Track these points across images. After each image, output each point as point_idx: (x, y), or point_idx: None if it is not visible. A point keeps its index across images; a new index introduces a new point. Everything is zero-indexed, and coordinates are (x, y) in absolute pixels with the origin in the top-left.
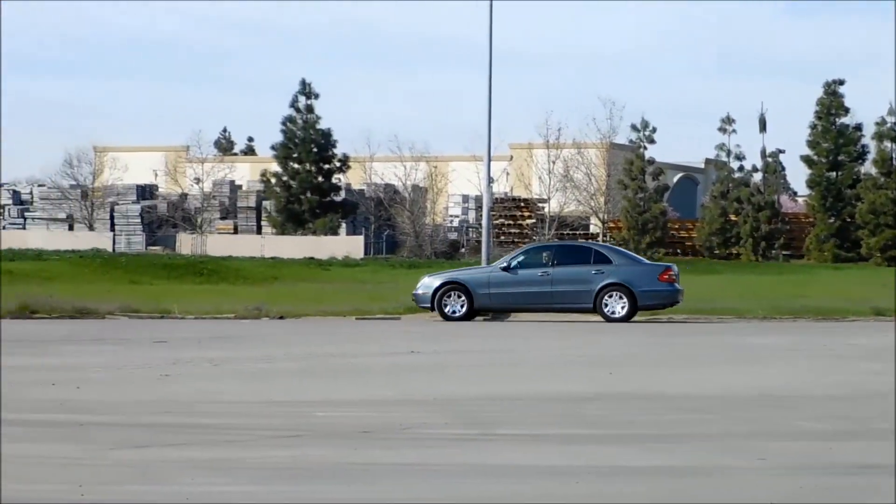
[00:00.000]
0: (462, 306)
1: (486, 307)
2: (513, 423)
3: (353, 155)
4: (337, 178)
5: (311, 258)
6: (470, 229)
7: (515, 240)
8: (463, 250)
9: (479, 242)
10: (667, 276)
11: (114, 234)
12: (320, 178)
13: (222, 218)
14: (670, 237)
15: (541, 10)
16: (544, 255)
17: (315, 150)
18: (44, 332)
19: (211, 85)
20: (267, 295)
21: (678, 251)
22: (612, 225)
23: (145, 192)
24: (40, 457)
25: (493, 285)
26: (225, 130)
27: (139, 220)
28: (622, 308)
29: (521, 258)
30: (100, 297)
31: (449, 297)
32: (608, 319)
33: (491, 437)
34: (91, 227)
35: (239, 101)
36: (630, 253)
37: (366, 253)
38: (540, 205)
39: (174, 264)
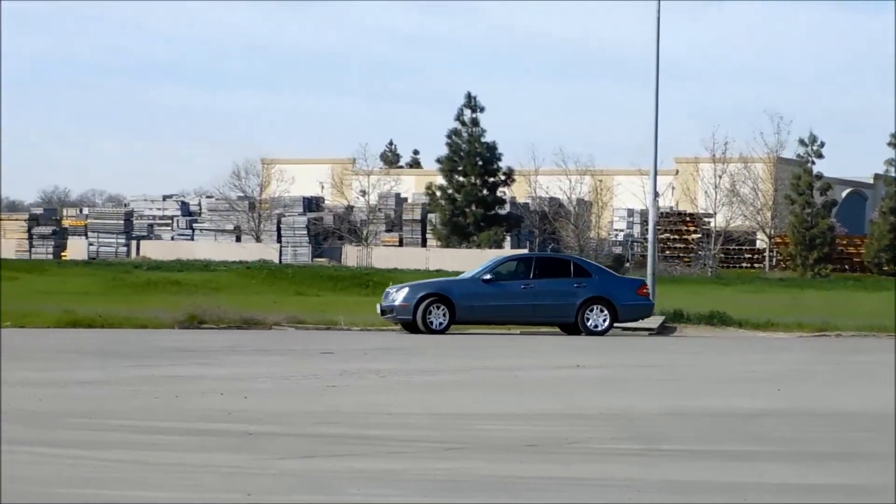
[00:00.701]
0: (445, 318)
1: (467, 320)
2: (679, 438)
3: (518, 168)
4: (502, 192)
5: None
6: (635, 244)
7: (681, 254)
8: (628, 265)
9: (644, 257)
10: (644, 291)
11: (280, 246)
12: (485, 192)
13: (387, 230)
14: (838, 253)
15: (707, 22)
16: (523, 266)
17: (480, 163)
18: (211, 341)
19: (377, 98)
20: None
21: (846, 267)
22: (778, 240)
23: (311, 204)
24: (208, 465)
25: (476, 297)
26: (391, 143)
27: (305, 232)
28: (604, 321)
29: (499, 269)
30: (266, 308)
31: (430, 309)
32: (589, 333)
33: (657, 452)
34: (258, 239)
35: (405, 114)
36: (604, 267)
37: None
38: (706, 219)
39: (340, 276)
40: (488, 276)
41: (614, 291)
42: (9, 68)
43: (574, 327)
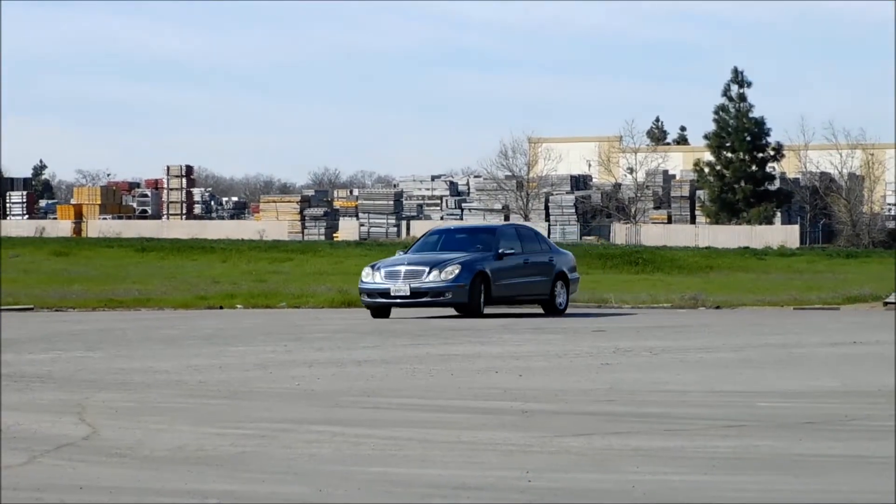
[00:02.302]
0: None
1: (496, 300)
2: None
3: (787, 143)
4: (771, 167)
5: (746, 248)
6: None
7: None
8: None
9: None
10: (574, 264)
11: (549, 224)
12: (754, 167)
13: (656, 208)
14: None
15: None
16: (509, 239)
17: (748, 138)
18: (483, 321)
19: (644, 76)
20: (703, 284)
21: None
22: None
23: (579, 182)
24: (488, 443)
25: (500, 274)
26: (657, 120)
27: (573, 210)
28: (565, 298)
29: (501, 242)
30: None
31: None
32: (555, 311)
33: None
34: (526, 218)
35: (672, 91)
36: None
37: (801, 242)
38: None
39: (609, 254)
40: (502, 251)
41: (568, 267)
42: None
43: (550, 304)
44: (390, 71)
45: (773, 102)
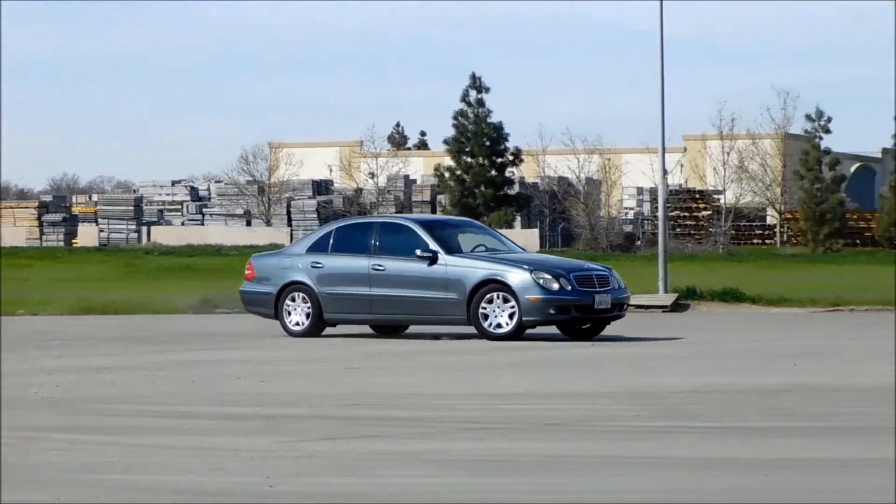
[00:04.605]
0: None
1: None
2: (702, 415)
3: (526, 148)
4: (510, 172)
5: None
6: (645, 221)
7: (691, 231)
8: (639, 243)
9: (655, 235)
10: None
11: (291, 230)
12: (493, 172)
13: (398, 212)
14: (849, 228)
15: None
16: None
17: (487, 143)
18: (227, 326)
19: (384, 79)
20: None
21: (857, 242)
22: (788, 216)
23: (321, 187)
24: (230, 449)
25: None
26: (398, 125)
27: (315, 215)
28: None
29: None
30: None
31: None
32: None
33: (681, 429)
34: (268, 223)
35: (412, 95)
36: None
37: (541, 245)
38: (715, 196)
39: None
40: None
41: None
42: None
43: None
44: (127, 74)
45: (512, 108)
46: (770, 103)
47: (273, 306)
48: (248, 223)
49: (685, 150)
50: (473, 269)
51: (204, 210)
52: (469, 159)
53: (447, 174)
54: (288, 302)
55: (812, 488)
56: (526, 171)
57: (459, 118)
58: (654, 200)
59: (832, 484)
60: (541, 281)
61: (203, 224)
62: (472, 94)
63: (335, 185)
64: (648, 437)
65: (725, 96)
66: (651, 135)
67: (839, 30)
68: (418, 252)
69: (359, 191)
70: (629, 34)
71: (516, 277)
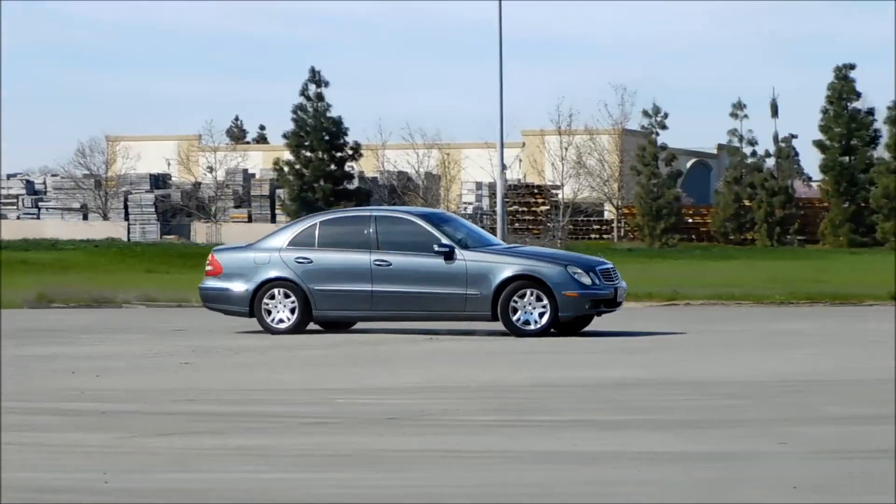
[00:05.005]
0: None
1: None
2: (548, 409)
3: (366, 143)
4: (350, 166)
5: None
6: (484, 216)
7: (530, 226)
8: None
9: (494, 229)
10: None
11: (128, 224)
12: (333, 166)
13: (236, 206)
14: (684, 223)
15: None
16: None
17: (326, 137)
18: (62, 321)
19: (222, 73)
20: None
21: (693, 237)
22: (626, 211)
23: (158, 181)
24: (64, 445)
25: None
26: (237, 119)
27: (153, 209)
28: None
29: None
30: (117, 286)
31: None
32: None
33: (524, 423)
34: (105, 217)
35: (251, 89)
36: None
37: None
38: (553, 191)
39: (190, 253)
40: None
41: None
42: None
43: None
44: None
45: (351, 103)
46: (607, 99)
47: (248, 304)
48: (85, 217)
49: (524, 145)
50: (500, 265)
51: (40, 204)
52: (308, 153)
53: (286, 168)
54: (266, 300)
55: (645, 480)
56: (365, 166)
57: (299, 112)
58: (492, 195)
59: (673, 476)
60: (575, 275)
61: (39, 218)
62: (312, 88)
63: (173, 179)
64: (490, 432)
65: (563, 92)
66: (490, 130)
67: (675, 27)
68: (435, 247)
69: (197, 185)
70: (469, 30)
71: (551, 272)
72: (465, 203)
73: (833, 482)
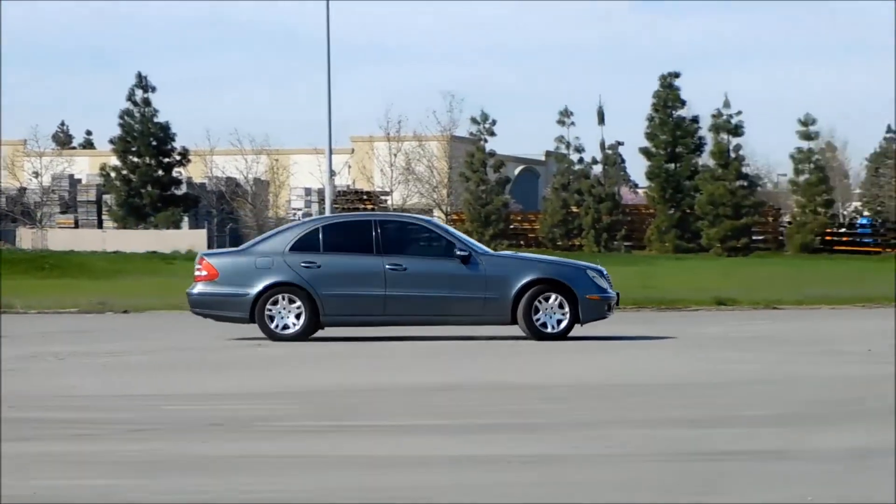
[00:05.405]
0: None
1: None
2: (368, 414)
3: (194, 148)
4: (177, 172)
5: (154, 252)
6: None
7: None
8: None
9: None
10: None
11: None
12: (160, 172)
13: (62, 212)
14: (513, 229)
15: (380, 5)
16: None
17: (154, 143)
18: None
19: (48, 78)
20: (111, 289)
21: (521, 243)
22: (455, 217)
23: None
24: None
25: None
26: (63, 124)
27: None
28: None
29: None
30: None
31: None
32: None
33: (343, 428)
34: None
35: (77, 94)
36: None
37: (209, 246)
38: (383, 197)
39: (15, 259)
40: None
41: None
42: None
43: None
44: None
45: (179, 108)
46: (436, 106)
47: (249, 309)
48: None
49: (353, 151)
50: (519, 269)
51: None
52: (135, 159)
53: (113, 174)
54: (269, 305)
55: (475, 483)
56: (193, 172)
57: (125, 117)
58: (321, 201)
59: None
60: (594, 279)
61: None
62: (139, 93)
63: None
64: (308, 437)
65: (392, 98)
66: (319, 136)
67: (505, 33)
68: (456, 252)
69: (22, 190)
70: (297, 35)
71: (575, 276)
72: (293, 209)
73: (679, 482)
